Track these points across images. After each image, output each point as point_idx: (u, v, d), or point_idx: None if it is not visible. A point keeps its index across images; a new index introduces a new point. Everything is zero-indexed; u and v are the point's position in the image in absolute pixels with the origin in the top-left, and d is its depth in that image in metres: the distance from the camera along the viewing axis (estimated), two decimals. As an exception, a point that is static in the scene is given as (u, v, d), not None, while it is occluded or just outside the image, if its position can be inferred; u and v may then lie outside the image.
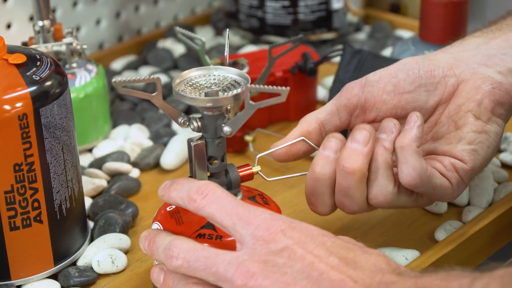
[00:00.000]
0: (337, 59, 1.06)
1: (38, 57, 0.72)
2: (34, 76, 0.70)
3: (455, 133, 0.70)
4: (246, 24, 1.15)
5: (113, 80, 0.64)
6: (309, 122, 0.72)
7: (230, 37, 1.17)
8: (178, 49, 1.13)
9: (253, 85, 0.64)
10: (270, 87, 0.64)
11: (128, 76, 1.08)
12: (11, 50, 0.72)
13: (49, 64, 0.72)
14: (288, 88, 0.64)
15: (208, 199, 0.61)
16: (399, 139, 0.66)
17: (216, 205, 0.60)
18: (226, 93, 0.65)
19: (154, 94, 0.65)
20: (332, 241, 0.59)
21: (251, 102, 0.64)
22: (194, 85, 0.67)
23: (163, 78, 1.06)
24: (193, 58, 1.10)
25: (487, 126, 0.69)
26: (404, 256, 0.74)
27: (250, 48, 1.13)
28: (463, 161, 0.69)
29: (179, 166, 0.90)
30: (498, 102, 0.70)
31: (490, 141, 0.70)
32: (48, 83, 0.70)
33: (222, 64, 0.92)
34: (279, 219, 0.59)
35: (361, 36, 1.18)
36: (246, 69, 0.92)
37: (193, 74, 0.68)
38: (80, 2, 1.13)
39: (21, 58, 0.71)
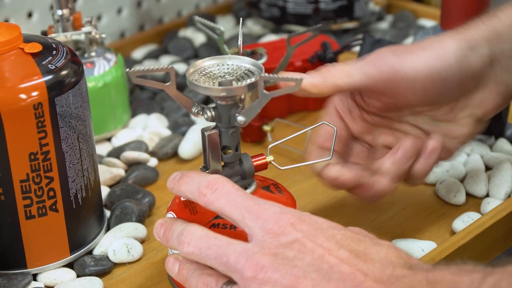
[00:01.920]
0: (357, 49, 1.05)
1: (54, 46, 0.72)
2: (49, 65, 0.70)
3: None
4: (267, 13, 1.15)
5: (127, 70, 0.64)
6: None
7: (251, 27, 1.17)
8: (199, 38, 1.13)
9: (266, 74, 0.64)
10: (284, 76, 0.64)
11: (148, 65, 1.08)
12: (27, 39, 0.72)
13: (65, 53, 0.72)
14: (302, 77, 0.63)
15: (218, 193, 0.60)
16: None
17: (226, 199, 0.60)
18: (240, 83, 0.65)
19: (168, 83, 0.65)
20: (342, 233, 0.58)
21: (265, 91, 0.64)
22: (208, 75, 0.67)
23: (184, 67, 1.06)
24: (214, 47, 1.10)
25: None
26: (421, 248, 0.73)
27: (271, 38, 1.12)
28: None
29: (197, 155, 0.90)
30: None
31: None
32: (64, 72, 0.70)
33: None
34: (289, 212, 0.59)
35: (383, 25, 1.17)
36: (264, 59, 0.92)
37: (207, 63, 0.68)
38: (102, -9, 1.13)
39: (37, 47, 0.71)
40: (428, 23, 1.16)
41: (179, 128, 0.93)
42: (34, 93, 0.68)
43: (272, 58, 0.94)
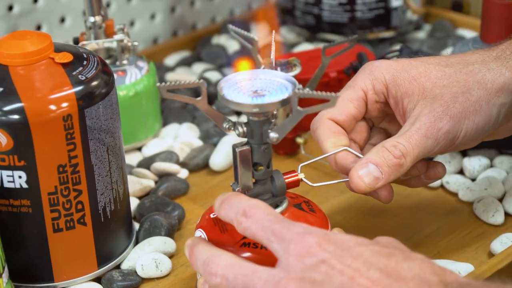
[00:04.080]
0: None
1: (85, 56, 0.71)
2: (80, 76, 0.69)
3: None
4: (301, 21, 1.13)
5: (157, 84, 0.62)
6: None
7: (285, 34, 1.15)
8: (233, 46, 1.11)
9: (301, 90, 0.62)
10: (320, 93, 0.62)
11: (180, 72, 1.07)
12: (58, 48, 0.71)
13: (96, 64, 0.71)
14: (339, 94, 0.61)
15: (251, 220, 0.59)
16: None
17: (256, 224, 0.59)
18: (273, 98, 0.63)
19: (199, 98, 0.63)
20: (371, 249, 0.56)
21: (299, 108, 0.62)
22: (240, 89, 0.65)
23: (217, 76, 1.04)
24: (248, 55, 1.08)
25: None
26: (457, 270, 0.71)
27: (305, 46, 1.10)
28: None
29: (228, 167, 0.88)
30: None
31: None
32: (94, 83, 0.69)
33: (274, 63, 0.89)
34: (313, 232, 0.57)
35: (421, 34, 1.15)
36: (298, 70, 0.90)
37: (239, 77, 0.66)
38: (135, -3, 1.12)
39: (67, 57, 0.69)
40: (467, 33, 1.13)
41: (210, 138, 0.92)
42: (64, 104, 0.67)
43: (307, 68, 0.92)
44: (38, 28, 1.03)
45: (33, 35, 0.70)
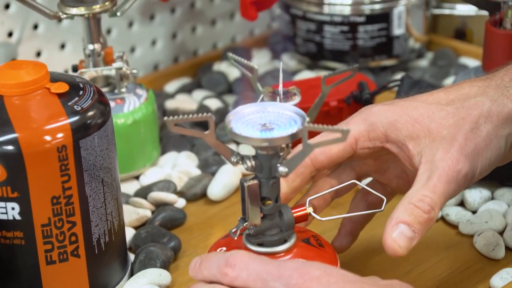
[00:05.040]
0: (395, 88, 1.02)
1: (81, 85, 0.70)
2: (75, 107, 0.68)
3: None
4: (303, 48, 1.12)
5: (165, 118, 0.62)
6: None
7: (286, 62, 1.14)
8: (233, 73, 1.11)
9: (311, 124, 0.61)
10: (330, 126, 0.61)
11: (180, 99, 1.06)
12: (55, 78, 0.70)
13: (92, 93, 0.70)
14: (349, 128, 0.61)
15: (238, 268, 0.58)
16: None
17: (246, 271, 0.58)
18: (282, 132, 0.62)
19: (207, 132, 0.63)
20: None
21: (308, 142, 0.61)
22: (248, 123, 0.64)
23: (217, 103, 1.04)
24: (248, 83, 1.07)
25: None
26: (456, 306, 0.70)
27: (307, 74, 1.10)
28: None
29: (226, 197, 0.87)
30: None
31: None
32: (90, 113, 0.68)
33: (274, 92, 0.89)
34: (313, 265, 0.56)
35: (423, 63, 1.14)
36: (298, 99, 0.89)
37: (247, 110, 0.65)
38: (136, 23, 1.11)
39: (63, 87, 0.69)
40: (470, 61, 1.12)
41: (209, 167, 0.91)
42: (59, 135, 0.66)
43: (307, 97, 0.91)
44: (38, 54, 1.03)
45: (29, 64, 0.69)
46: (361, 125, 0.70)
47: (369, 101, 0.92)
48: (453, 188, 0.65)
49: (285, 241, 0.66)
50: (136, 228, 0.82)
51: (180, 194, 0.88)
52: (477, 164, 0.66)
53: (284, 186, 0.68)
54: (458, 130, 0.66)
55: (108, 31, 1.08)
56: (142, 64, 1.13)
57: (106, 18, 0.91)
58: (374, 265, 0.76)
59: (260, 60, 1.14)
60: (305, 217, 0.68)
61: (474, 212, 0.83)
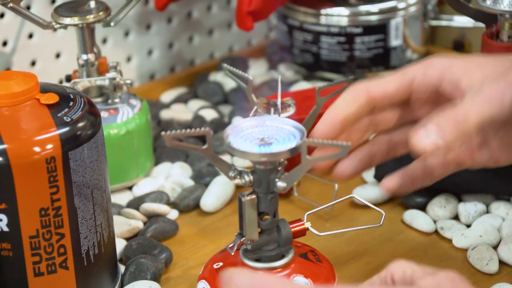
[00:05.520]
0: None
1: (71, 96, 0.70)
2: (65, 118, 0.68)
3: None
4: (300, 59, 1.12)
5: (162, 133, 0.62)
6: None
7: (283, 72, 1.14)
8: (229, 83, 1.10)
9: (310, 139, 0.61)
10: (330, 141, 0.61)
11: (176, 109, 1.06)
12: (45, 89, 0.70)
13: (82, 104, 0.70)
14: (350, 143, 0.60)
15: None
16: None
17: None
18: (280, 147, 0.62)
19: (205, 147, 0.63)
20: None
21: (308, 157, 0.61)
22: (246, 137, 0.64)
23: (212, 114, 1.03)
24: (244, 93, 1.07)
25: None
26: (448, 321, 0.69)
27: (303, 85, 1.09)
28: None
29: (220, 208, 0.87)
30: None
31: None
32: (80, 124, 0.68)
33: (268, 104, 0.88)
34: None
35: (421, 74, 1.13)
36: (292, 110, 0.89)
37: (246, 124, 0.65)
38: (132, 32, 1.11)
39: (53, 98, 0.68)
40: (467, 73, 1.12)
41: (202, 178, 0.90)
42: (48, 146, 0.66)
43: (302, 108, 0.90)
44: (33, 63, 1.03)
45: (19, 75, 0.69)
46: (419, 66, 0.69)
47: (364, 112, 0.91)
48: (496, 110, 0.63)
49: (282, 256, 0.65)
50: (127, 239, 0.82)
51: (173, 205, 0.87)
52: None
53: (339, 109, 0.68)
54: (510, 72, 0.65)
55: (104, 41, 1.08)
56: (138, 74, 1.12)
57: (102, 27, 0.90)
58: (366, 277, 0.75)
59: (257, 71, 1.14)
60: (303, 232, 0.67)
61: (468, 225, 0.82)
